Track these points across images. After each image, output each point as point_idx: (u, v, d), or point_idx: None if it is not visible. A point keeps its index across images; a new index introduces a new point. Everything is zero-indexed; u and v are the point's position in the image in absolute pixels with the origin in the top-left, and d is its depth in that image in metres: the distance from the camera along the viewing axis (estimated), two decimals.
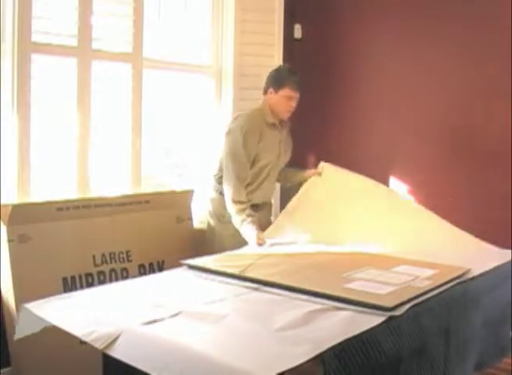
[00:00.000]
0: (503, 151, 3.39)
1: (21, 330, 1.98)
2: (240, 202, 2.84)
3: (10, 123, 2.77)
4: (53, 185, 3.01)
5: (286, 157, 3.14)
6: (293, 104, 2.94)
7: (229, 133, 2.93)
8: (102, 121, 3.17)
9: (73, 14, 2.96)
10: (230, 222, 2.87)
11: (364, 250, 2.58)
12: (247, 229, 2.77)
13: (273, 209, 3.71)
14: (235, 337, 1.59)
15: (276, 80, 2.94)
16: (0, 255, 2.59)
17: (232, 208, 2.84)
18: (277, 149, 3.02)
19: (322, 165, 3.11)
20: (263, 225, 2.90)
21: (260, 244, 2.69)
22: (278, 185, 4.09)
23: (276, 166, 3.07)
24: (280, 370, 1.37)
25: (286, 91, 2.90)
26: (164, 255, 3.10)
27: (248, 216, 2.81)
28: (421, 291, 1.93)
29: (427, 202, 3.77)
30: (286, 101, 2.91)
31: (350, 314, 1.74)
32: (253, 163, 2.93)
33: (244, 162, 2.87)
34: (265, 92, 3.00)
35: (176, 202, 3.28)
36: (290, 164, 4.20)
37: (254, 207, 2.94)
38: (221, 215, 2.99)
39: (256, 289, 2.02)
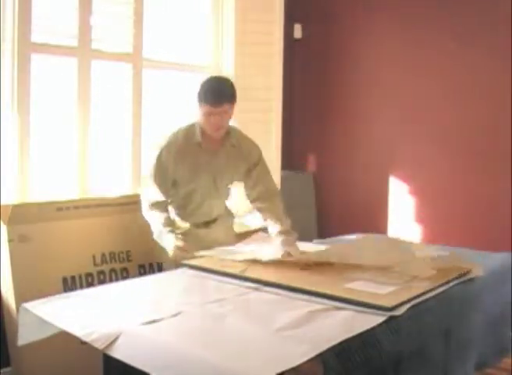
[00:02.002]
0: (504, 152, 3.39)
1: (25, 336, 1.94)
2: (157, 204, 2.60)
3: (10, 123, 2.77)
4: (53, 185, 3.01)
5: (231, 181, 2.75)
6: (215, 120, 2.51)
7: (157, 149, 2.64)
8: (102, 121, 3.17)
9: (73, 14, 2.96)
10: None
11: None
12: (167, 237, 2.53)
13: None
14: (235, 337, 1.59)
15: (197, 94, 2.55)
16: (0, 255, 2.59)
17: (147, 212, 2.62)
18: (206, 171, 2.63)
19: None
20: (221, 238, 2.73)
21: (181, 251, 2.45)
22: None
23: (217, 186, 2.70)
24: (280, 370, 1.37)
25: (203, 107, 2.51)
26: None
27: (167, 225, 2.56)
28: (421, 291, 1.93)
29: (427, 202, 3.79)
30: (206, 117, 2.52)
31: (350, 314, 1.74)
32: (181, 185, 2.66)
33: (159, 185, 2.59)
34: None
35: None
36: (289, 167, 4.21)
37: (206, 223, 2.74)
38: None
39: (256, 289, 2.02)
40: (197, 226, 2.72)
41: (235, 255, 2.41)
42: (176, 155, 2.58)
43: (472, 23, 3.49)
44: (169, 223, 2.58)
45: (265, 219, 2.68)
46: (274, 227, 2.63)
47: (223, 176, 2.69)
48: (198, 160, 2.61)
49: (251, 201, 2.74)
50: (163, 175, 2.60)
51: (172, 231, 2.54)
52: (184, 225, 2.72)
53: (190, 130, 2.63)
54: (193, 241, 2.66)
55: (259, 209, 2.71)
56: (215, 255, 2.42)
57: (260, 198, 2.69)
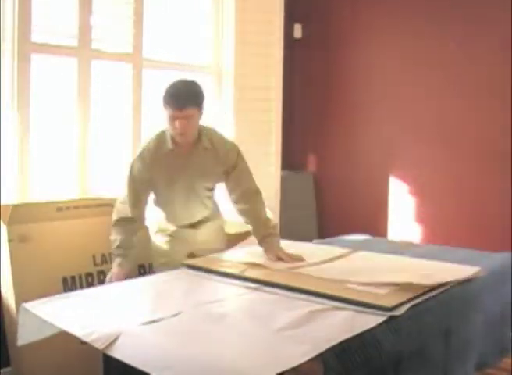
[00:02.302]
0: (504, 151, 3.39)
1: (24, 336, 1.95)
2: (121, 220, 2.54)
3: (10, 123, 2.77)
4: (53, 185, 3.01)
5: (211, 184, 2.65)
6: (180, 124, 2.37)
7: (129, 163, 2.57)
8: (102, 121, 3.17)
9: (73, 14, 2.96)
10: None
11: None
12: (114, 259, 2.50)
13: (272, 212, 3.71)
14: (235, 337, 1.59)
15: (162, 98, 2.42)
16: (0, 255, 2.59)
17: (112, 226, 2.55)
18: (181, 176, 2.54)
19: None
20: (211, 240, 2.72)
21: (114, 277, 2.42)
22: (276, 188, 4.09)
23: (196, 190, 2.61)
24: (280, 370, 1.37)
25: (167, 110, 2.38)
26: None
27: (120, 247, 2.50)
28: (421, 291, 1.93)
29: (427, 202, 3.79)
30: (170, 121, 2.39)
31: (350, 314, 1.74)
32: (158, 193, 2.61)
33: (131, 200, 2.52)
34: None
35: None
36: (289, 167, 4.21)
37: (192, 225, 2.70)
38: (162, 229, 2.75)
39: (256, 289, 2.02)
40: (183, 227, 2.69)
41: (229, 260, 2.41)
42: (149, 166, 2.49)
43: (473, 24, 3.49)
44: (124, 245, 2.49)
45: (247, 222, 2.60)
46: (256, 233, 2.56)
47: (200, 180, 2.58)
48: (172, 167, 2.52)
49: (233, 203, 2.65)
50: (136, 188, 2.52)
51: (120, 255, 2.47)
52: (171, 227, 2.69)
53: (160, 138, 2.52)
54: (181, 243, 2.67)
55: (240, 211, 2.62)
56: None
57: (240, 199, 2.60)
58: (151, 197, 2.65)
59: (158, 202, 2.66)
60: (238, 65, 3.78)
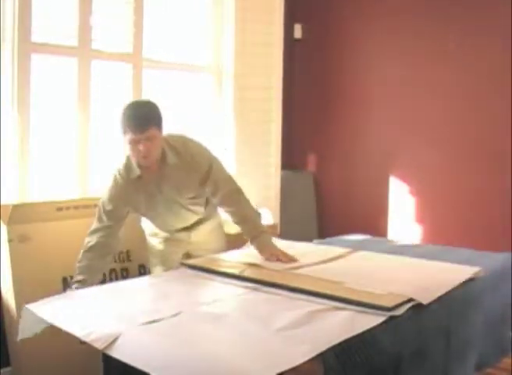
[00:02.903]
0: (504, 151, 3.39)
1: (23, 332, 1.98)
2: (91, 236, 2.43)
3: (10, 123, 2.77)
4: (53, 185, 3.01)
5: (188, 193, 2.51)
6: (143, 147, 2.24)
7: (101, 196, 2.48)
8: (102, 121, 3.17)
9: (73, 14, 2.96)
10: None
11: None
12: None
13: (272, 212, 3.71)
14: (235, 337, 1.59)
15: (120, 123, 2.29)
16: (0, 255, 2.59)
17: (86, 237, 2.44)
18: (158, 197, 2.45)
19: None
20: (208, 240, 2.71)
21: None
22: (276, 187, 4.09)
23: (181, 204, 2.52)
24: (280, 370, 1.37)
25: (129, 136, 2.24)
26: None
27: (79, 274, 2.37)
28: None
29: (427, 202, 3.79)
30: (132, 146, 2.26)
31: (350, 314, 1.74)
32: (140, 213, 2.57)
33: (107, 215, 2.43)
34: None
35: None
36: (289, 166, 4.21)
37: (186, 228, 2.66)
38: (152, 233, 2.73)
39: (255, 289, 2.02)
40: (177, 231, 2.65)
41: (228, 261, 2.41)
42: (122, 201, 2.41)
43: (473, 23, 3.49)
44: (83, 272, 2.36)
45: (236, 223, 2.54)
46: (246, 233, 2.51)
47: (180, 195, 2.47)
48: (147, 193, 2.43)
49: (219, 206, 2.62)
50: (113, 210, 2.41)
51: (77, 282, 2.33)
52: (163, 233, 2.66)
53: (127, 167, 2.40)
54: (176, 244, 2.66)
55: (227, 212, 2.56)
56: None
57: (224, 202, 2.53)
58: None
59: (144, 217, 2.64)
60: (238, 65, 3.78)
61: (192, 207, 2.56)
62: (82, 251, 2.39)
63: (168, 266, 2.58)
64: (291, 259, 2.36)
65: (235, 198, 2.53)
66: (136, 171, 2.38)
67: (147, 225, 2.72)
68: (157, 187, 2.42)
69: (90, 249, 2.38)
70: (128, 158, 2.40)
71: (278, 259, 2.35)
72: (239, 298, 1.95)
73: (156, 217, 2.58)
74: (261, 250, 2.42)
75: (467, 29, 3.52)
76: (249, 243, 2.51)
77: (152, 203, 2.47)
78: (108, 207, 2.40)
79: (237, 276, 2.14)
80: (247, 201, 2.56)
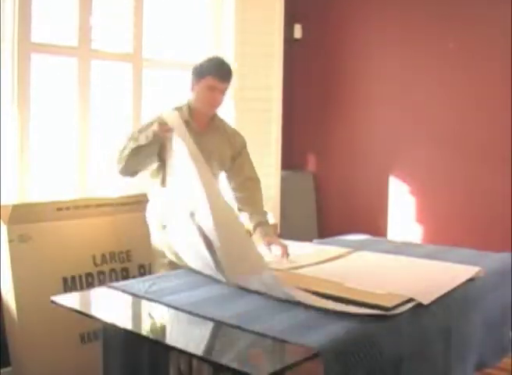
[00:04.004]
0: (504, 151, 3.39)
1: None
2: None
3: (10, 123, 2.77)
4: (53, 185, 3.01)
5: (218, 165, 2.56)
6: (217, 96, 2.44)
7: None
8: (102, 121, 3.17)
9: (73, 14, 2.96)
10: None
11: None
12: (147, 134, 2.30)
13: (272, 212, 3.70)
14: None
15: (198, 70, 2.46)
16: (0, 255, 2.59)
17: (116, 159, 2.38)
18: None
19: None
20: None
21: (165, 130, 2.23)
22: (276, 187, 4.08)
23: None
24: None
25: (206, 80, 2.41)
26: None
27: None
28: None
29: (427, 202, 3.79)
30: (207, 91, 2.42)
31: (350, 313, 1.74)
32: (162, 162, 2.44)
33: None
34: (191, 89, 2.53)
35: None
36: (289, 166, 4.21)
37: None
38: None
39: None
40: None
41: None
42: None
43: (473, 24, 3.49)
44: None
45: (242, 210, 2.56)
46: (252, 218, 2.53)
47: (211, 160, 2.47)
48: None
49: (232, 191, 2.62)
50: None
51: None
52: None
53: (178, 109, 2.48)
54: None
55: (239, 199, 2.59)
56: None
57: (242, 186, 2.59)
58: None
59: (164, 182, 2.43)
60: (238, 65, 3.78)
61: None
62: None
63: (181, 261, 2.42)
64: (286, 252, 2.37)
65: (254, 186, 2.62)
66: (186, 115, 2.47)
67: (153, 218, 2.59)
68: (197, 142, 2.31)
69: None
70: (178, 107, 2.49)
71: (280, 250, 2.37)
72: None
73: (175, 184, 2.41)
74: (263, 236, 2.46)
75: (468, 28, 3.52)
76: (252, 229, 2.52)
77: None
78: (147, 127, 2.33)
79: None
80: (260, 194, 2.64)
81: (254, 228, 2.51)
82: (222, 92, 2.46)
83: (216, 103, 2.48)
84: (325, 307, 1.76)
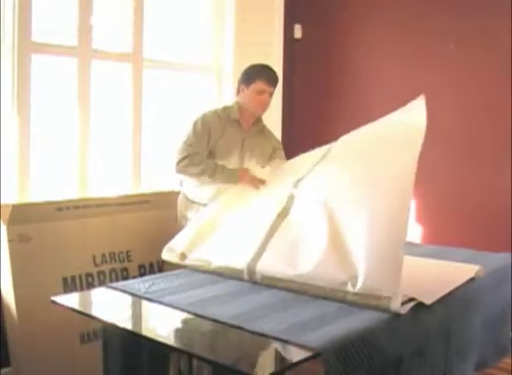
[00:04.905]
0: (504, 151, 3.39)
1: None
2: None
3: (10, 123, 2.77)
4: (53, 185, 3.01)
5: (259, 162, 2.84)
6: (266, 99, 2.74)
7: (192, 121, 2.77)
8: (102, 121, 3.17)
9: (73, 14, 2.96)
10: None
11: None
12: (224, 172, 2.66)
13: None
14: None
15: (248, 74, 2.79)
16: (0, 255, 2.59)
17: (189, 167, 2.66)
18: (238, 149, 2.78)
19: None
20: None
21: (254, 185, 2.62)
22: None
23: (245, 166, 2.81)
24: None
25: (256, 84, 2.72)
26: None
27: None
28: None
29: (427, 202, 3.78)
30: (257, 95, 2.72)
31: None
32: (210, 157, 2.72)
33: (200, 140, 2.68)
34: (238, 91, 2.82)
35: (176, 202, 3.27)
36: None
37: None
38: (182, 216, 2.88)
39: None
40: None
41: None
42: (217, 123, 2.72)
43: (473, 24, 3.49)
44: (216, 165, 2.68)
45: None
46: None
47: (252, 156, 2.82)
48: (232, 136, 2.76)
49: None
50: (203, 138, 2.68)
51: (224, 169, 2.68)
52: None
53: (227, 108, 2.80)
54: None
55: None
56: None
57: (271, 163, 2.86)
58: None
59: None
60: (238, 65, 3.77)
61: None
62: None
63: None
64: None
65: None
66: (236, 114, 2.78)
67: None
68: (242, 140, 2.79)
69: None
70: (228, 106, 2.81)
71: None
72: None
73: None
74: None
75: (468, 28, 3.51)
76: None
77: (229, 150, 2.75)
78: (199, 132, 2.68)
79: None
80: None
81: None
82: (270, 95, 2.76)
83: (265, 105, 2.77)
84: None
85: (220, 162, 2.70)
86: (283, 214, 2.29)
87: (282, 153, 2.97)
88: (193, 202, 2.81)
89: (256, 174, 2.67)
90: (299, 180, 2.43)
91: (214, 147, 2.73)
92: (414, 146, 2.08)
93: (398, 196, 2.06)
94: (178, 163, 2.66)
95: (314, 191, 2.32)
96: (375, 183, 2.15)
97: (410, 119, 2.33)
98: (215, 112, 2.77)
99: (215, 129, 2.72)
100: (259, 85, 2.72)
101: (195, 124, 2.71)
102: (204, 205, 2.72)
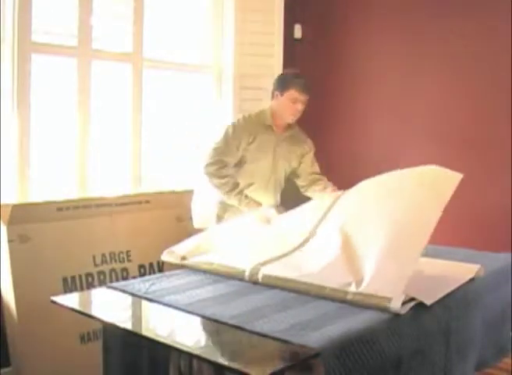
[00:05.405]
0: (504, 151, 3.39)
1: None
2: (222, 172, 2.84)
3: (10, 123, 2.77)
4: (53, 185, 3.01)
5: (288, 167, 3.03)
6: (299, 107, 2.86)
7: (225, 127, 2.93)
8: (102, 121, 3.17)
9: (73, 14, 2.96)
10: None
11: None
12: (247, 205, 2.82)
13: None
14: None
15: (282, 82, 2.89)
16: (0, 255, 2.59)
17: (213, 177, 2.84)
18: (270, 155, 2.92)
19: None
20: None
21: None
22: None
23: (272, 175, 2.97)
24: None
25: (291, 93, 2.83)
26: None
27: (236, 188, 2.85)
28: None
29: None
30: (290, 103, 2.84)
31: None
32: (240, 163, 2.89)
33: (230, 148, 2.83)
34: (272, 96, 2.95)
35: (176, 202, 3.28)
36: None
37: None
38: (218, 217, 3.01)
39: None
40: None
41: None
42: (249, 129, 2.84)
43: (474, 23, 3.49)
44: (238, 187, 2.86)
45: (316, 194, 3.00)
46: (319, 187, 3.05)
47: (281, 160, 2.95)
48: (264, 141, 2.88)
49: (307, 187, 3.06)
50: (232, 145, 2.83)
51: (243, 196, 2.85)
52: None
53: (260, 114, 2.92)
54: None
55: (303, 189, 3.07)
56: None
57: (314, 181, 3.05)
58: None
59: (236, 175, 2.90)
60: (238, 65, 3.78)
61: (276, 187, 3.01)
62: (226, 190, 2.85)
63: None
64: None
65: (322, 179, 3.09)
66: (269, 120, 2.90)
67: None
68: (273, 145, 2.92)
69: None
70: (262, 112, 2.93)
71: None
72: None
73: (249, 175, 2.90)
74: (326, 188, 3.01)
75: (468, 27, 3.51)
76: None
77: (260, 154, 2.88)
78: (236, 133, 2.83)
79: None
80: (325, 179, 3.09)
81: (323, 189, 3.01)
82: (303, 104, 2.86)
83: (297, 113, 2.90)
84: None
85: (251, 166, 2.88)
86: (305, 240, 2.31)
87: (311, 159, 3.07)
88: (232, 205, 2.89)
89: (264, 214, 2.73)
90: (320, 220, 2.41)
91: (245, 152, 2.86)
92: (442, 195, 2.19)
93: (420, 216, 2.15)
94: (205, 167, 2.84)
95: (336, 221, 2.31)
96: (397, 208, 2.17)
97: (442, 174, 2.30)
98: (249, 118, 2.91)
99: (246, 135, 2.84)
100: (293, 94, 2.82)
101: (227, 130, 2.86)
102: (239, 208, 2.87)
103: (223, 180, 2.82)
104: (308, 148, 3.07)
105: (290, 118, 2.90)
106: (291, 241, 2.29)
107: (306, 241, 2.28)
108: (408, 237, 2.02)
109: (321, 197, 2.83)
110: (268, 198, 2.98)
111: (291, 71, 2.96)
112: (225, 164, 2.85)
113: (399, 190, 2.27)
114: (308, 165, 3.06)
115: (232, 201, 2.85)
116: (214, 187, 2.88)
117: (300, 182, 3.08)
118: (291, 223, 2.49)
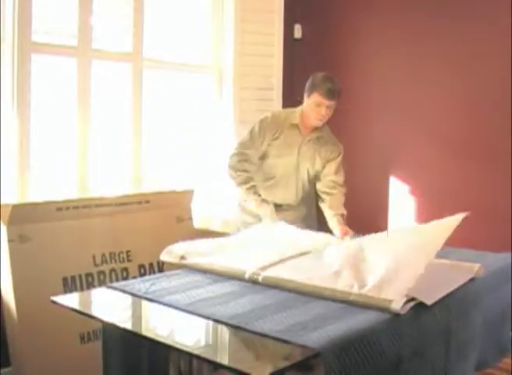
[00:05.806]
0: (504, 151, 3.39)
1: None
2: (240, 170, 2.91)
3: (10, 123, 2.77)
4: (53, 185, 3.01)
5: (312, 169, 2.98)
6: (323, 111, 2.80)
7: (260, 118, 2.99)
8: (102, 121, 3.17)
9: (73, 14, 2.96)
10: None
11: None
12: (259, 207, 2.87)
13: None
14: None
15: (310, 84, 2.87)
16: (0, 255, 2.59)
17: (232, 175, 2.93)
18: (294, 153, 2.92)
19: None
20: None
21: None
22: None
23: (294, 173, 2.97)
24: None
25: (315, 97, 2.81)
26: None
27: (251, 187, 2.90)
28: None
29: (427, 202, 3.79)
30: (315, 107, 2.82)
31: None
32: (267, 158, 2.94)
33: (254, 143, 2.90)
34: (304, 97, 2.95)
35: (176, 202, 3.28)
36: None
37: (276, 206, 2.94)
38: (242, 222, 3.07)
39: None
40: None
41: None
42: (275, 126, 2.88)
43: (474, 23, 3.49)
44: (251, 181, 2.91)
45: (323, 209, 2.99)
46: (330, 210, 2.95)
47: (304, 161, 2.93)
48: (289, 139, 2.89)
49: (318, 193, 3.01)
50: (257, 140, 2.88)
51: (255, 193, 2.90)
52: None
53: (290, 112, 2.95)
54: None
55: (320, 195, 3.01)
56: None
57: (325, 190, 2.97)
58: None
59: (259, 170, 2.95)
60: (238, 65, 3.78)
61: (299, 184, 2.99)
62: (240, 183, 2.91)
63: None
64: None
65: (335, 190, 2.97)
66: (297, 119, 2.90)
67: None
68: (298, 144, 2.91)
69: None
70: (292, 111, 2.95)
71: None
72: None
73: (271, 171, 2.95)
74: (339, 224, 2.93)
75: (468, 27, 3.51)
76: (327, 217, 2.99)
77: (284, 152, 2.90)
78: (263, 127, 2.88)
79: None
80: (342, 195, 3.01)
81: (331, 217, 2.94)
82: (329, 108, 2.82)
83: (322, 118, 2.85)
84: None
85: (273, 161, 2.91)
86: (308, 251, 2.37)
87: (337, 165, 2.99)
88: (251, 210, 2.95)
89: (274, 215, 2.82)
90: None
91: (268, 147, 2.90)
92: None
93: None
94: (229, 158, 2.93)
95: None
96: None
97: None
98: (278, 114, 2.97)
99: (272, 130, 2.88)
100: (317, 98, 2.80)
101: (254, 126, 2.92)
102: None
103: (238, 173, 2.89)
104: (337, 152, 2.99)
105: (316, 122, 2.88)
106: (294, 250, 2.35)
107: (309, 251, 2.36)
108: (415, 252, 2.09)
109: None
110: (288, 196, 3.01)
111: (321, 74, 2.88)
112: (247, 158, 2.91)
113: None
114: (331, 171, 2.98)
115: (242, 194, 2.93)
116: (229, 177, 2.94)
117: (318, 186, 3.03)
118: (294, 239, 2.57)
